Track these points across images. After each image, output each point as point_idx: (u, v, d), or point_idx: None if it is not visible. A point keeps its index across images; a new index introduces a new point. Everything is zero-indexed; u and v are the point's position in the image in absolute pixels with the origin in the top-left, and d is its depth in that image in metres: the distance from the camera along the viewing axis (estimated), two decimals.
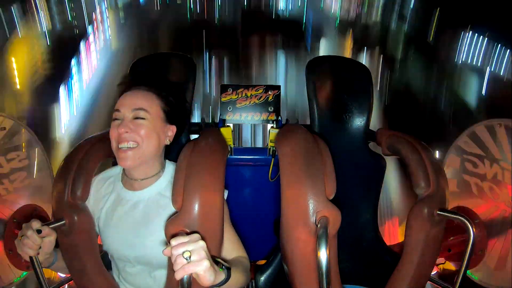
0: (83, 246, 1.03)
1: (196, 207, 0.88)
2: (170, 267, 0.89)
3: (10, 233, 1.07)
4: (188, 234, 0.82)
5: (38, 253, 0.93)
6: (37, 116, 2.78)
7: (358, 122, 1.37)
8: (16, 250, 1.01)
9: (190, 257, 0.74)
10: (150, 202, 1.05)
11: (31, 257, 0.92)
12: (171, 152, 1.16)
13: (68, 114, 3.16)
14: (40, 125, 2.79)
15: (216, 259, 0.85)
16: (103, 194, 1.10)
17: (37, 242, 0.91)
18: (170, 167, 1.11)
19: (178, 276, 0.74)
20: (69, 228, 0.99)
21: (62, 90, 3.13)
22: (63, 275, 1.18)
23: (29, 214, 1.14)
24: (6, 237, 1.08)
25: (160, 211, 1.03)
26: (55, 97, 3.05)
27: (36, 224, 0.93)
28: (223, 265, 0.85)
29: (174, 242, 0.77)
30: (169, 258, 0.91)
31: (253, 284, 1.27)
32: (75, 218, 1.00)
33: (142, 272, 1.06)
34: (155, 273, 1.05)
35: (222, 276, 0.83)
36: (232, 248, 1.05)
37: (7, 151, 1.45)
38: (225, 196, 1.02)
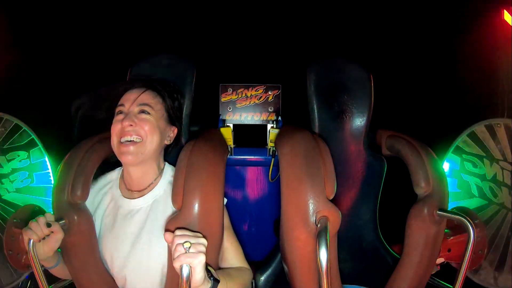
0: (83, 245, 1.02)
1: (196, 206, 0.88)
2: (171, 265, 0.89)
3: (10, 233, 1.07)
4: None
5: (39, 240, 0.91)
6: None
7: (358, 122, 1.37)
8: (16, 251, 1.01)
9: (189, 248, 0.76)
10: (146, 211, 1.03)
11: (29, 245, 0.89)
12: (170, 155, 1.15)
13: None
14: None
15: (208, 268, 0.84)
16: (101, 200, 1.09)
17: (44, 230, 0.91)
18: (168, 170, 1.10)
19: (175, 264, 0.76)
20: (69, 227, 0.99)
21: None
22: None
23: (29, 214, 1.14)
24: (6, 237, 1.08)
25: (157, 220, 1.01)
26: None
27: (50, 216, 0.95)
28: (212, 275, 0.84)
29: (178, 232, 0.79)
30: (169, 258, 0.91)
31: (253, 284, 1.27)
32: (75, 218, 1.00)
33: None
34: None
35: (207, 285, 0.81)
36: (234, 257, 1.04)
37: (7, 151, 1.45)
38: (224, 203, 1.00)
